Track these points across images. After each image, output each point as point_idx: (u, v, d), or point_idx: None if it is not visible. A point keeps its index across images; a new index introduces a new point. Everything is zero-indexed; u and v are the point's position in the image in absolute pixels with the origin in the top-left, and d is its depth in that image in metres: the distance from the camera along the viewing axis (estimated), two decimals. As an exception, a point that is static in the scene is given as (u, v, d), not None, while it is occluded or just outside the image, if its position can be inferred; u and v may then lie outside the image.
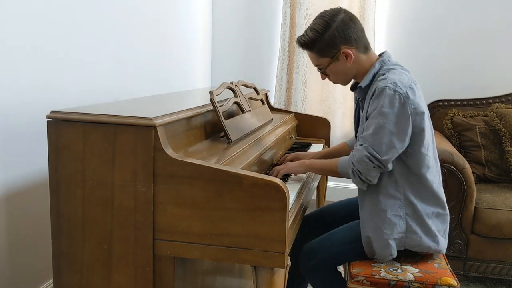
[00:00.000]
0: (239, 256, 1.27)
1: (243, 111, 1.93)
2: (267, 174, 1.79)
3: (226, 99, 1.80)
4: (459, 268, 2.51)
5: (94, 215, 1.36)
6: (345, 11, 1.64)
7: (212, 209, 1.27)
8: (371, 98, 1.57)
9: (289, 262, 1.32)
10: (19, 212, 1.91)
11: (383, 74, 1.58)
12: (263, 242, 1.25)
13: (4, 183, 1.84)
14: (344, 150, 2.06)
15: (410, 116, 1.53)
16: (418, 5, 3.45)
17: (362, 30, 1.66)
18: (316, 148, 2.48)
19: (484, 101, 3.16)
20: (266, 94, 2.74)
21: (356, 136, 1.88)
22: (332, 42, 1.61)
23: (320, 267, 1.68)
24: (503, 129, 2.83)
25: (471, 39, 3.35)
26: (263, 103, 2.39)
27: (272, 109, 2.70)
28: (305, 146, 2.44)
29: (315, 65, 1.70)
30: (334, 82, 1.73)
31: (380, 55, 1.70)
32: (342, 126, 3.69)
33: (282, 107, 3.64)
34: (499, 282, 2.59)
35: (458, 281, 1.61)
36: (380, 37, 3.57)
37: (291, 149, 2.35)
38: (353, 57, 1.62)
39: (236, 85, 1.94)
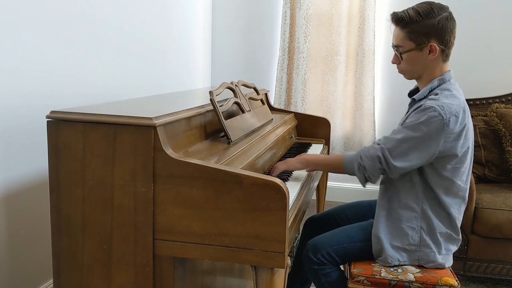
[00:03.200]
0: (239, 256, 1.27)
1: (243, 111, 1.93)
2: (268, 173, 1.79)
3: (226, 99, 1.80)
4: (459, 268, 2.51)
5: (94, 215, 1.36)
6: (451, 13, 1.61)
7: (212, 209, 1.27)
8: (414, 111, 1.59)
9: (289, 262, 1.32)
10: (19, 212, 1.91)
11: (436, 94, 1.58)
12: (263, 242, 1.25)
13: (4, 183, 1.84)
14: None
15: (440, 142, 1.53)
16: (418, 5, 3.45)
17: (454, 38, 1.62)
18: (316, 148, 2.48)
19: (484, 101, 3.16)
20: (266, 94, 2.74)
21: None
22: (428, 30, 1.57)
23: (326, 261, 1.69)
24: (503, 129, 2.83)
25: (471, 39, 3.35)
26: (263, 103, 2.39)
27: (272, 109, 2.70)
28: (305, 146, 2.44)
29: (395, 45, 1.65)
30: (401, 71, 1.69)
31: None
32: (342, 126, 3.69)
33: (282, 107, 3.64)
34: (499, 282, 2.59)
35: (458, 281, 1.61)
36: (380, 37, 3.57)
37: (291, 149, 2.35)
38: (436, 55, 1.59)
39: (236, 85, 1.94)
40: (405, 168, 1.57)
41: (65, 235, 1.39)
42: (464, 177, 1.64)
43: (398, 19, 1.62)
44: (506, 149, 2.81)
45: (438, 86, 1.62)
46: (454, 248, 1.70)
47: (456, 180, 1.61)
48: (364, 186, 1.66)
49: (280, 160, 2.08)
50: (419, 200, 1.64)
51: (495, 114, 2.89)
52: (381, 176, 1.62)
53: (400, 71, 1.70)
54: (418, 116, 1.54)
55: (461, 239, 1.71)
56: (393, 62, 1.70)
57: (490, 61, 3.38)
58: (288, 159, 1.84)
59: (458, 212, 1.67)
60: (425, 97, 1.63)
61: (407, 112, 1.77)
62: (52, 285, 1.96)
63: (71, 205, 1.37)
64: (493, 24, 3.35)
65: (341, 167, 1.68)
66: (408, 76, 1.70)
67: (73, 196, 1.36)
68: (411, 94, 1.80)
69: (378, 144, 1.60)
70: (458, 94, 1.61)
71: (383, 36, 3.57)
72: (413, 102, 1.68)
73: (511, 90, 3.21)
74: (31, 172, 1.96)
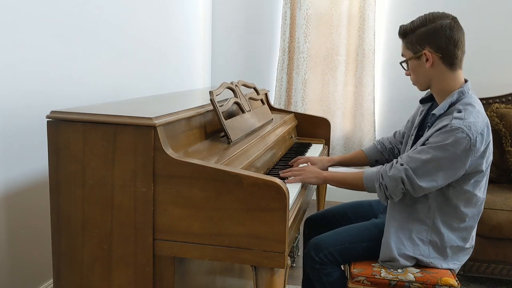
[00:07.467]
0: (239, 256, 1.27)
1: (243, 111, 1.93)
2: (269, 172, 1.79)
3: (226, 99, 1.80)
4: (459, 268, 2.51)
5: (94, 215, 1.36)
6: (455, 21, 1.59)
7: (212, 209, 1.27)
8: (439, 130, 1.53)
9: (289, 262, 1.32)
10: (19, 212, 1.91)
11: (460, 112, 1.54)
12: (263, 242, 1.25)
13: (4, 183, 1.83)
14: (360, 157, 2.03)
15: (467, 163, 1.51)
16: (417, 5, 3.45)
17: (457, 46, 1.58)
18: (316, 148, 2.48)
19: (484, 101, 3.15)
20: (266, 94, 2.74)
21: (397, 150, 1.95)
22: (420, 39, 1.59)
23: (328, 260, 1.69)
24: (503, 129, 2.83)
25: (471, 40, 3.34)
26: (263, 103, 2.39)
27: (272, 109, 2.70)
28: (305, 146, 2.44)
29: (402, 55, 1.68)
30: (414, 82, 1.69)
31: (465, 80, 1.66)
32: (342, 126, 3.69)
33: (282, 107, 3.64)
34: (499, 282, 2.59)
35: (458, 281, 1.61)
36: (380, 37, 3.57)
37: (291, 149, 2.35)
38: (432, 63, 1.58)
39: (236, 85, 1.94)
40: (431, 188, 1.54)
41: (65, 235, 1.39)
42: (484, 188, 1.63)
43: (400, 32, 1.67)
44: (506, 149, 2.81)
45: (458, 100, 1.59)
46: (464, 258, 1.69)
47: (477, 192, 1.60)
48: (385, 204, 1.64)
49: (280, 160, 2.08)
50: (431, 214, 1.62)
51: (495, 114, 2.89)
52: (402, 195, 1.59)
53: (414, 83, 1.70)
54: (445, 136, 1.50)
55: (473, 247, 1.70)
56: (406, 74, 1.71)
57: (490, 61, 3.38)
58: (306, 170, 1.77)
59: (475, 222, 1.67)
60: (445, 112, 1.59)
61: (421, 125, 1.74)
62: (52, 285, 1.96)
63: (71, 205, 1.37)
64: (493, 24, 3.35)
65: (360, 185, 1.66)
66: (419, 86, 1.69)
67: (73, 196, 1.36)
68: (423, 101, 1.78)
69: (402, 164, 1.56)
70: (480, 108, 1.59)
71: (383, 36, 3.57)
72: (433, 117, 1.62)
73: (511, 90, 3.20)
74: (31, 172, 1.96)
